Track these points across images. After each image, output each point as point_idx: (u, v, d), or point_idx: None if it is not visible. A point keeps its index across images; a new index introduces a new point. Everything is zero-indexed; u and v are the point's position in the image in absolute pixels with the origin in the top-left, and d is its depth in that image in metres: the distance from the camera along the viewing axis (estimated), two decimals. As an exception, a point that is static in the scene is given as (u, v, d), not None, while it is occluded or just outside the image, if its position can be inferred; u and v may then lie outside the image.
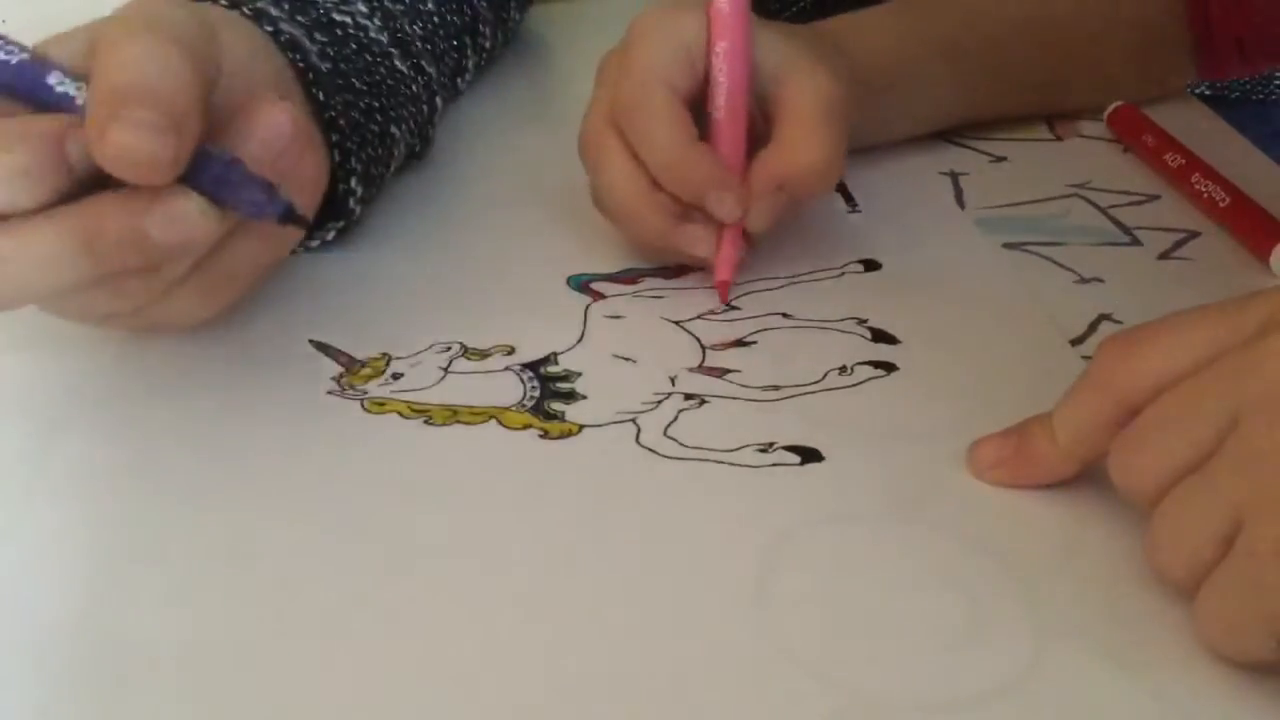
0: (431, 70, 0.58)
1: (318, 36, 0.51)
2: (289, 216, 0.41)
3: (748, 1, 0.50)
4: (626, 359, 0.48)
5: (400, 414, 0.45)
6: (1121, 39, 0.62)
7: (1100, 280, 0.52)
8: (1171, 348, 0.37)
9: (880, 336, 0.49)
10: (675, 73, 0.50)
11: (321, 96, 0.49)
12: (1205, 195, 0.56)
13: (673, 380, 0.46)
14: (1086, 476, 0.40)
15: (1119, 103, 0.62)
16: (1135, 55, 0.63)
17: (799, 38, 0.53)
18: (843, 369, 0.47)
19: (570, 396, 0.46)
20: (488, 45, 0.67)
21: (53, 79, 0.40)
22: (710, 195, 0.49)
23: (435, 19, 0.60)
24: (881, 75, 0.56)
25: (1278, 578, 0.33)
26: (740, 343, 0.49)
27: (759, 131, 0.51)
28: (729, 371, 0.47)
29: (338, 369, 0.47)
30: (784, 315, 0.50)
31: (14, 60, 0.40)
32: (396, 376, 0.47)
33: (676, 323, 0.50)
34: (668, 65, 0.50)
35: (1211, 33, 0.63)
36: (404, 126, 0.55)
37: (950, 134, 0.62)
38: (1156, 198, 0.58)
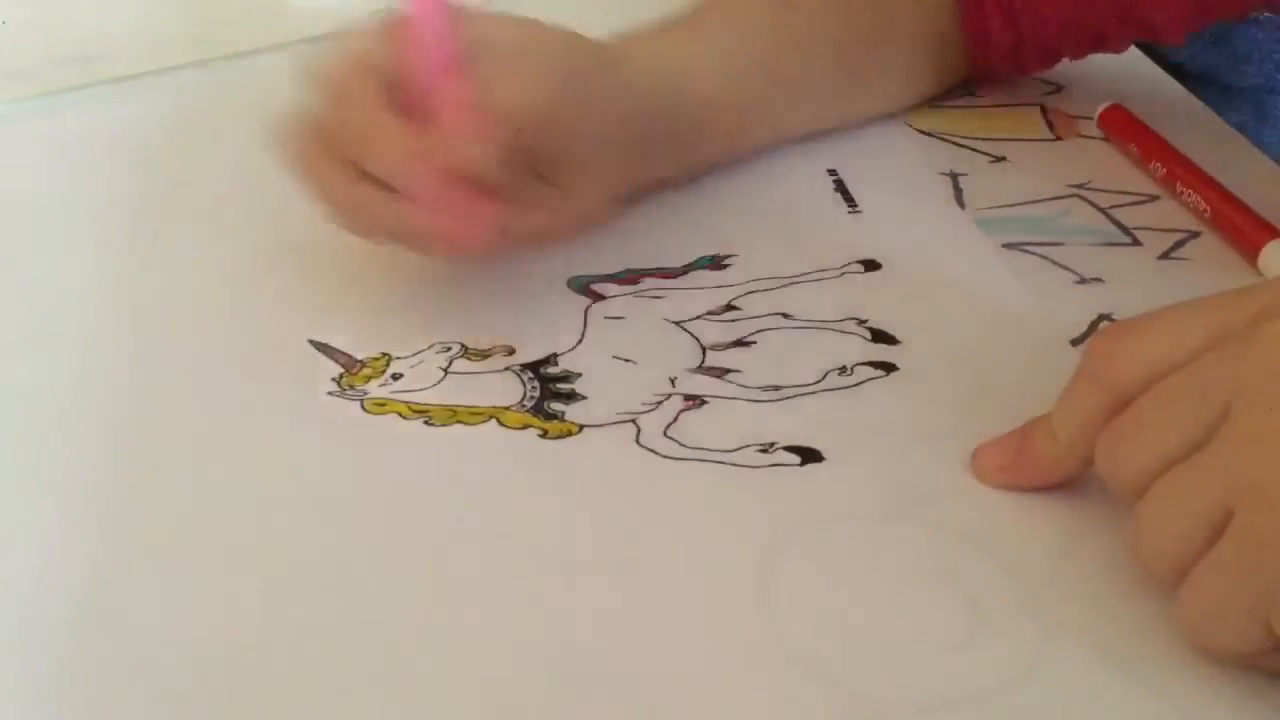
0: None
1: None
2: None
3: None
4: (626, 360, 0.48)
5: (400, 414, 0.45)
6: (903, 43, 0.62)
7: (1100, 280, 0.52)
8: (1165, 338, 0.36)
9: (880, 336, 0.49)
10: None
11: None
12: (1190, 203, 0.56)
13: (673, 381, 0.46)
14: (1087, 476, 0.40)
15: (1107, 104, 0.62)
16: (918, 58, 0.62)
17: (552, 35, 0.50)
18: (843, 369, 0.47)
19: (570, 397, 0.46)
20: None
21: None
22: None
23: None
24: (710, 104, 0.54)
25: (1269, 562, 0.33)
26: (740, 343, 0.49)
27: None
28: (729, 372, 0.47)
29: (338, 369, 0.47)
30: (784, 315, 0.50)
31: None
32: (396, 377, 0.47)
33: (676, 323, 0.50)
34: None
35: (988, 34, 0.62)
36: None
37: (949, 134, 0.62)
38: (1156, 198, 0.57)
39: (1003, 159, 0.61)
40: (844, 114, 0.61)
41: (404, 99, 0.46)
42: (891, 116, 0.64)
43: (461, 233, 0.46)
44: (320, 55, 0.47)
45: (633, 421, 0.44)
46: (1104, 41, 0.62)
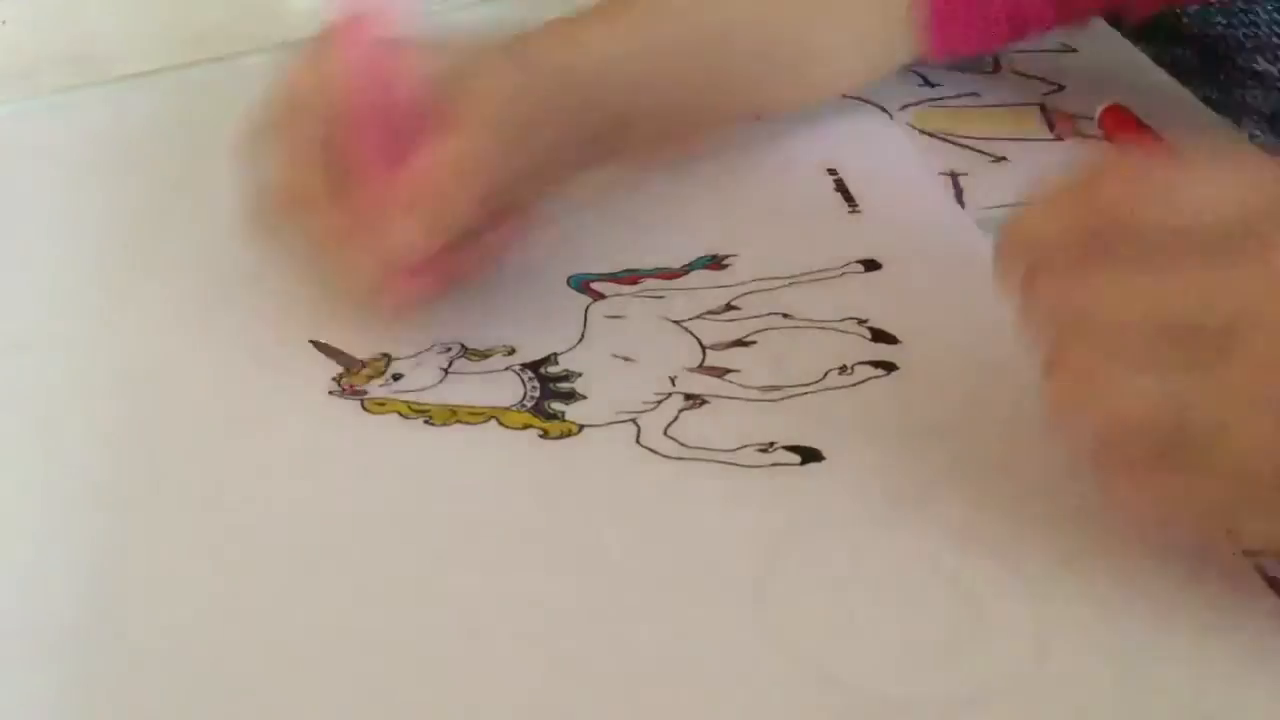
0: None
1: None
2: None
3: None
4: (626, 359, 0.48)
5: (400, 414, 0.45)
6: (849, 29, 0.60)
7: (1100, 280, 0.52)
8: (1201, 191, 0.36)
9: (880, 336, 0.49)
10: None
11: None
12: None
13: (673, 380, 0.46)
14: (1087, 477, 0.40)
15: (1107, 103, 0.62)
16: (865, 44, 0.61)
17: (493, 47, 0.49)
18: (843, 369, 0.47)
19: (570, 396, 0.46)
20: None
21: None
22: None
23: None
24: (628, 89, 0.53)
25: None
26: (740, 343, 0.49)
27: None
28: (729, 371, 0.47)
29: (338, 369, 0.47)
30: (784, 315, 0.50)
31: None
32: (397, 377, 0.47)
33: (676, 323, 0.50)
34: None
35: (953, 9, 0.60)
36: None
37: (949, 134, 0.62)
38: (1156, 198, 0.57)
39: (1003, 159, 0.61)
40: (777, 103, 0.60)
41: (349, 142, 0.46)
42: (891, 117, 0.64)
43: (397, 301, 0.47)
44: (265, 101, 0.47)
45: (633, 421, 0.44)
46: (1073, 11, 0.61)
